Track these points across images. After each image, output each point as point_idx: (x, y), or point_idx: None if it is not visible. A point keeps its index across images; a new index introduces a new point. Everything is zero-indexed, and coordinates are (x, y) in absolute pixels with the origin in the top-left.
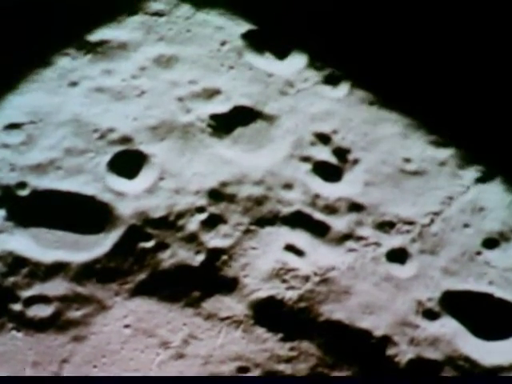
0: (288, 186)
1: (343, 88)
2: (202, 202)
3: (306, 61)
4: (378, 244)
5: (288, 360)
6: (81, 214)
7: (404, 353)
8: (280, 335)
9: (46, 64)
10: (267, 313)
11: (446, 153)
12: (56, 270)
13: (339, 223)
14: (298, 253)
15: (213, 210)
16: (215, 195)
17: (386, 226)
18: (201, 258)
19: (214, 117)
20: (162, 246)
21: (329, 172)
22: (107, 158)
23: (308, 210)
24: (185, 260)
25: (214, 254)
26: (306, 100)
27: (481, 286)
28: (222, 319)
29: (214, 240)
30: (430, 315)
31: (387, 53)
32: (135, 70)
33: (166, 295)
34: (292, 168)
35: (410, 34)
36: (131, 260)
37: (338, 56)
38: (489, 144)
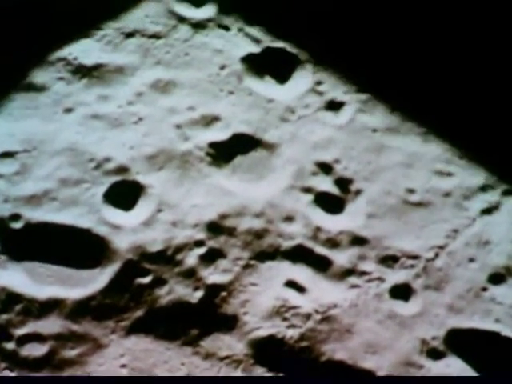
0: (289, 219)
1: (345, 114)
2: (200, 235)
3: (308, 85)
4: (381, 279)
5: None
6: (76, 247)
7: None
8: (281, 375)
9: (40, 88)
10: (268, 352)
11: (450, 183)
12: (50, 306)
13: (341, 257)
14: (299, 289)
15: (212, 243)
16: (214, 228)
17: (389, 261)
18: (199, 294)
19: (212, 145)
20: (159, 281)
21: (331, 203)
22: (103, 188)
23: (309, 244)
24: (183, 297)
25: (213, 290)
26: (307, 127)
27: (487, 324)
28: (221, 358)
29: (213, 275)
30: (435, 355)
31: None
32: (132, 95)
33: (163, 333)
34: (293, 199)
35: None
36: (127, 296)
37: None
38: (494, 174)
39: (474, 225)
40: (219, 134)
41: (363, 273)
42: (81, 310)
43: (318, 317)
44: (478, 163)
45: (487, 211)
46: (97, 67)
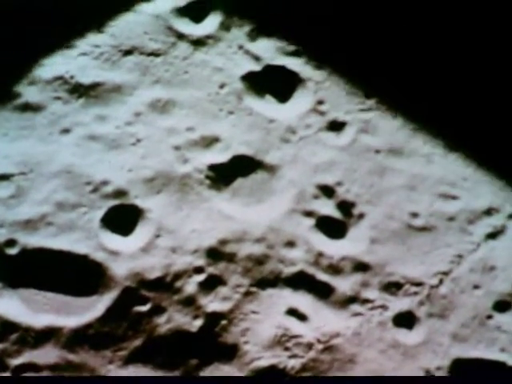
0: (290, 244)
1: (347, 134)
2: (200, 261)
3: (309, 104)
4: (384, 307)
5: None
6: (73, 274)
7: None
8: None
9: (36, 108)
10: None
11: (454, 206)
12: (47, 335)
13: (344, 284)
14: (301, 317)
15: (211, 270)
16: (214, 254)
17: (392, 288)
18: (199, 323)
19: (212, 167)
20: (158, 309)
21: (333, 228)
22: (101, 213)
23: (311, 270)
24: (182, 325)
25: (213, 318)
26: (309, 148)
27: (492, 354)
28: None
29: (213, 303)
30: None
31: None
32: (130, 115)
33: (162, 363)
34: (294, 224)
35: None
36: (125, 325)
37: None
38: (499, 197)
39: (478, 250)
40: (219, 155)
41: (366, 300)
42: (78, 338)
43: (320, 346)
44: (482, 185)
45: (492, 236)
46: (94, 86)
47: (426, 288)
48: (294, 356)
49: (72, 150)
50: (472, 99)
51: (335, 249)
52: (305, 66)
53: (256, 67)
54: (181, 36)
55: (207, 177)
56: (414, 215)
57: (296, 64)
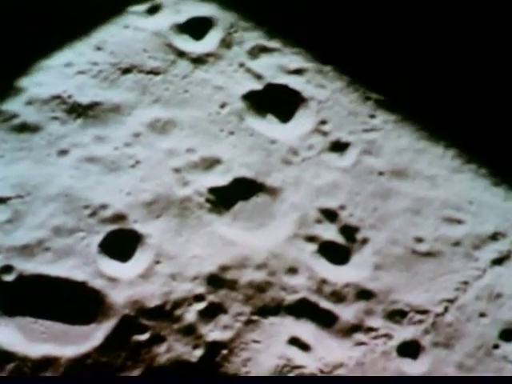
0: (292, 270)
1: (350, 156)
2: (200, 289)
3: (311, 125)
4: (388, 336)
5: None
6: (70, 301)
7: None
8: None
9: (34, 129)
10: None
11: (460, 230)
12: (44, 365)
13: (347, 313)
14: (303, 347)
15: (212, 298)
16: (214, 281)
17: (397, 316)
18: (199, 352)
19: (212, 190)
20: (157, 338)
21: (336, 253)
22: (99, 238)
23: (314, 298)
24: (182, 355)
25: (214, 348)
26: (311, 170)
27: None
28: None
29: (214, 332)
30: None
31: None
32: (129, 136)
33: None
34: (296, 249)
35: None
36: (124, 354)
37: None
38: (506, 221)
39: (484, 276)
40: (220, 178)
41: (370, 329)
42: (75, 368)
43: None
44: (488, 208)
45: (498, 261)
46: (92, 106)
47: (431, 316)
48: None
49: (70, 172)
50: (478, 120)
51: (338, 275)
52: (307, 85)
53: (257, 86)
54: (181, 53)
55: (208, 200)
56: (419, 240)
57: (298, 82)
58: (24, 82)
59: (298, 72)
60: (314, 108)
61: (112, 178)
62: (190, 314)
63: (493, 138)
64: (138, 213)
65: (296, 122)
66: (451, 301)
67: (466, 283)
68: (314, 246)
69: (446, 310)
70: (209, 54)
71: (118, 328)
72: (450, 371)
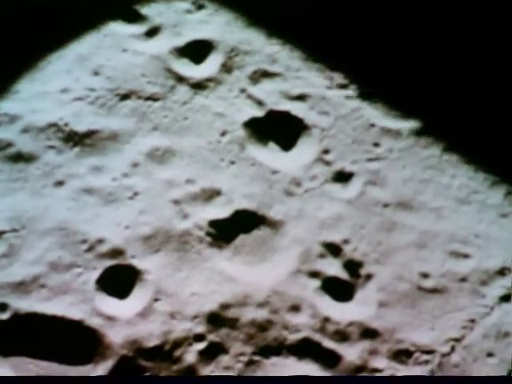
0: (295, 308)
1: (354, 187)
2: (200, 328)
3: (314, 154)
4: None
5: None
6: (67, 341)
7: None
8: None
9: (29, 159)
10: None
11: (466, 265)
12: None
13: (351, 352)
14: None
15: (212, 337)
16: (215, 320)
17: (402, 356)
18: None
19: (213, 223)
20: None
21: (339, 290)
22: (96, 274)
23: (317, 337)
24: None
25: None
26: (314, 202)
27: None
28: None
29: (214, 374)
30: None
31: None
32: (127, 166)
33: None
34: (299, 286)
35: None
36: None
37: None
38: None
39: (492, 314)
40: (220, 210)
41: (374, 370)
42: None
43: None
44: (495, 242)
45: (506, 298)
46: (89, 134)
47: (438, 356)
48: None
49: (66, 204)
50: (482, 147)
51: (342, 313)
52: (310, 111)
53: (259, 112)
54: (180, 79)
55: (208, 233)
56: (425, 275)
57: (301, 109)
58: (19, 108)
59: (301, 98)
60: (317, 136)
61: (110, 210)
62: (190, 355)
63: (497, 166)
64: (137, 247)
65: (298, 151)
66: (458, 340)
67: (472, 321)
68: (317, 282)
69: (453, 349)
70: (209, 79)
71: (116, 369)
72: None
